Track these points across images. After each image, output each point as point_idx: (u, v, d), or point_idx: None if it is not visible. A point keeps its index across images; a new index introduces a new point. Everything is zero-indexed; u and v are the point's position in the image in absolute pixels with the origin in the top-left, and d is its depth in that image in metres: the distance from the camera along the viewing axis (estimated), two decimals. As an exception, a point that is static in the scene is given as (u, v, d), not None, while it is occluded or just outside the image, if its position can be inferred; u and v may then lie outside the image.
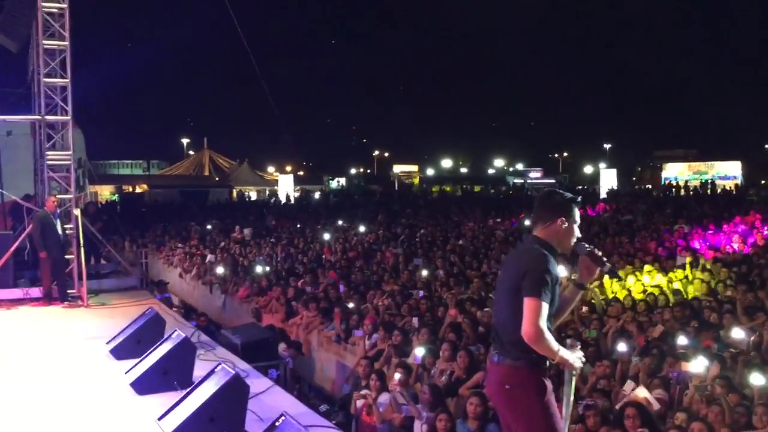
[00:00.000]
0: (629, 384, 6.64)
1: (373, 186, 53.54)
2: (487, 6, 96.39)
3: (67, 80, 11.89)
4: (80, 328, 9.47)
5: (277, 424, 4.42)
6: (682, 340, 8.25)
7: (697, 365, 6.81)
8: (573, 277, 4.00)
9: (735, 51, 78.86)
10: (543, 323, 3.47)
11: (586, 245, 3.82)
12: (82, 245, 11.22)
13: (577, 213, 3.81)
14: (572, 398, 3.80)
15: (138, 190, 49.58)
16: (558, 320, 3.84)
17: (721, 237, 16.70)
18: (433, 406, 6.80)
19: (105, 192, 45.66)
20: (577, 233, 3.80)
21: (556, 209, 3.80)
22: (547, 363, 3.64)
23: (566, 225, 3.74)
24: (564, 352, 3.60)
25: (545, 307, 3.50)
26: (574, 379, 3.77)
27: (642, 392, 6.33)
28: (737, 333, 8.40)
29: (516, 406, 3.65)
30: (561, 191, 3.95)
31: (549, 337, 3.52)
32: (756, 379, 6.41)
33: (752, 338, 8.03)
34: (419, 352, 8.16)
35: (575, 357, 3.69)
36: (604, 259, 3.83)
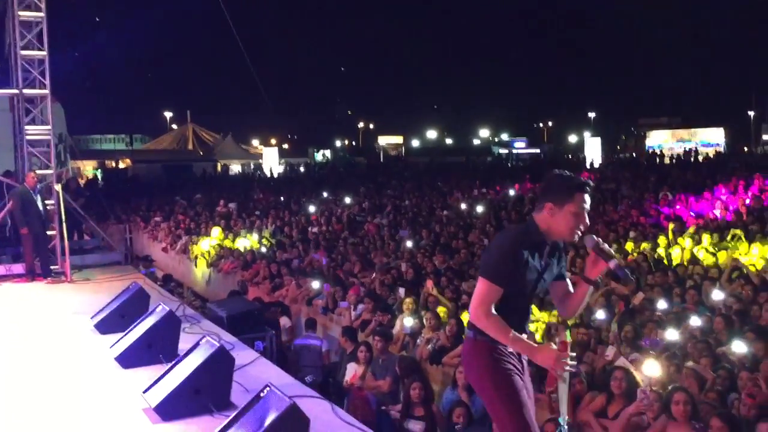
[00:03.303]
0: (611, 349, 6.70)
1: (358, 158, 53.40)
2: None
3: (45, 53, 11.71)
4: (64, 303, 9.43)
5: (261, 395, 4.41)
6: (662, 305, 8.36)
7: (672, 333, 6.90)
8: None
9: (718, 17, 78.76)
10: (487, 306, 3.37)
11: (594, 237, 3.51)
12: (64, 221, 11.13)
13: (581, 200, 3.41)
14: (565, 398, 3.55)
15: (121, 165, 49.13)
16: (569, 314, 3.70)
17: (704, 204, 16.82)
18: (404, 377, 6.83)
19: (88, 167, 45.14)
20: (577, 223, 3.42)
21: (547, 193, 3.50)
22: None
23: (556, 212, 3.41)
24: (522, 343, 3.41)
25: (494, 289, 3.37)
26: (565, 381, 3.47)
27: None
28: (717, 295, 8.49)
29: (473, 378, 3.62)
30: (567, 173, 3.56)
31: (495, 322, 3.37)
32: (737, 347, 6.48)
33: (734, 306, 8.08)
34: (408, 322, 8.20)
35: (551, 356, 3.35)
36: (614, 255, 3.52)
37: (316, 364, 9.01)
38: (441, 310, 8.66)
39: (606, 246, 3.51)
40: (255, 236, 15.87)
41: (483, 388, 3.52)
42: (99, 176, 40.13)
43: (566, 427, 3.57)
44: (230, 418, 4.42)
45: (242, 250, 14.32)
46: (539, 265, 3.48)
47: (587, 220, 3.44)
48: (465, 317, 8.05)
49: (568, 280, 3.70)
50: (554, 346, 3.40)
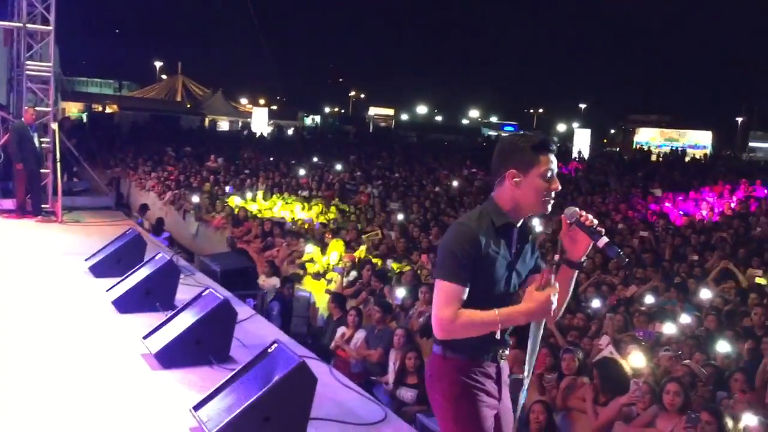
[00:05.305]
0: (605, 338, 6.82)
1: (347, 127, 53.13)
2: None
3: (50, -13, 11.47)
4: (55, 243, 9.34)
5: (269, 350, 4.42)
6: (649, 299, 8.52)
7: (670, 327, 7.04)
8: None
9: (718, 24, 79.33)
10: (453, 310, 2.70)
11: (576, 209, 2.80)
12: (58, 160, 11.00)
13: (547, 161, 2.80)
14: (536, 352, 3.00)
15: (108, 110, 48.43)
16: (556, 312, 2.83)
17: (690, 204, 17.05)
18: (405, 348, 6.92)
19: (73, 109, 44.48)
20: (548, 188, 2.80)
21: (506, 159, 2.82)
22: (482, 353, 2.87)
23: (521, 179, 2.77)
24: (513, 314, 2.76)
25: (456, 290, 2.71)
26: (540, 328, 2.95)
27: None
28: (704, 294, 8.67)
29: (435, 402, 2.94)
30: (523, 134, 2.92)
31: (469, 319, 2.71)
32: (722, 346, 6.64)
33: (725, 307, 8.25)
34: (400, 293, 8.25)
35: (547, 301, 2.72)
36: (601, 230, 2.77)
37: (304, 314, 9.10)
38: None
39: (591, 218, 2.79)
40: (249, 194, 15.81)
41: (444, 418, 2.92)
42: (84, 119, 39.57)
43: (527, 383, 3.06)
44: (236, 371, 4.43)
45: (234, 206, 14.25)
46: (508, 255, 2.84)
47: (558, 185, 2.83)
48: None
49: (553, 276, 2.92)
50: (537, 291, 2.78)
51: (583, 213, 2.81)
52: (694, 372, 5.88)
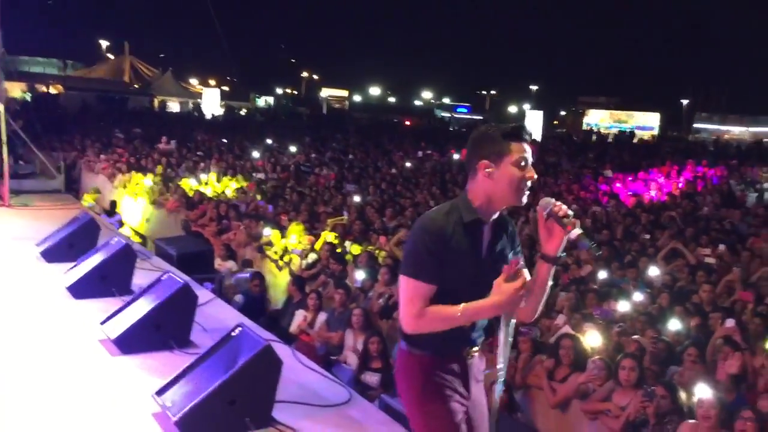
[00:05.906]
0: (561, 317, 6.96)
1: (301, 108, 52.71)
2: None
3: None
4: (4, 227, 9.08)
5: (233, 334, 4.40)
6: (602, 275, 8.72)
7: (624, 305, 7.22)
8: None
9: (662, 11, 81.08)
10: (418, 307, 2.64)
11: (551, 200, 2.69)
12: (4, 143, 10.65)
13: (520, 149, 2.66)
14: (509, 343, 2.86)
15: (52, 90, 46.98)
16: (530, 311, 2.79)
17: (639, 184, 17.47)
18: (365, 329, 6.96)
19: (15, 90, 43.00)
20: (522, 177, 2.66)
21: (478, 150, 2.70)
22: (445, 350, 2.81)
23: (494, 169, 2.65)
24: (479, 309, 2.65)
25: (422, 287, 2.64)
26: (512, 322, 2.78)
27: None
28: (654, 271, 8.91)
29: (404, 397, 2.93)
30: (492, 124, 2.80)
31: (433, 315, 2.65)
32: (673, 324, 6.85)
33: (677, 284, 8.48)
34: (359, 275, 8.27)
35: (515, 291, 2.60)
36: (575, 221, 2.63)
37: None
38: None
39: (564, 208, 2.65)
40: (204, 176, 15.59)
41: (413, 414, 2.88)
42: (28, 100, 38.35)
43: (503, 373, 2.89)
44: (199, 355, 4.40)
45: (188, 189, 14.03)
46: (477, 252, 2.75)
47: (534, 173, 2.69)
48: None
49: (525, 270, 2.76)
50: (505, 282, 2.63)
51: (557, 203, 2.68)
52: (644, 347, 6.06)
